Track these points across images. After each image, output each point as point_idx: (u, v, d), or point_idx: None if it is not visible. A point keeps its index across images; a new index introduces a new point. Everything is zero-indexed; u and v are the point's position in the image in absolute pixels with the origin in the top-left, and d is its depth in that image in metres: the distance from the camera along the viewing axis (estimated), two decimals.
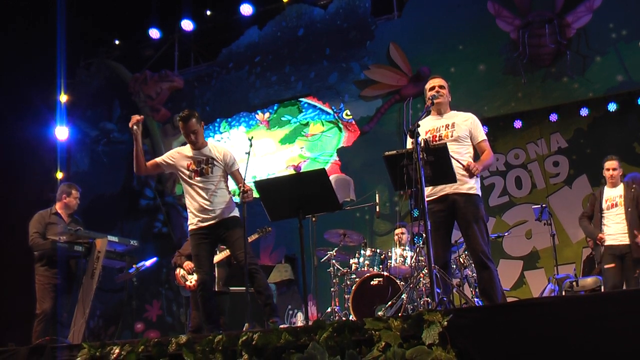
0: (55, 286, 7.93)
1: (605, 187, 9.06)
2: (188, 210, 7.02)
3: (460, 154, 6.08)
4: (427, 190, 6.02)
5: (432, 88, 6.36)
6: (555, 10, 12.14)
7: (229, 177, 7.18)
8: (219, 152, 7.09)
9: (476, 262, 6.07)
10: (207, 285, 6.85)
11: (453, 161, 5.77)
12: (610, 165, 8.95)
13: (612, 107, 11.53)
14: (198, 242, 6.90)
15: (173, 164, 7.10)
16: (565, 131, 12.05)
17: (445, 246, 6.17)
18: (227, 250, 9.01)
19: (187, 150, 7.12)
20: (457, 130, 6.20)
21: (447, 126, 6.26)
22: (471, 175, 5.93)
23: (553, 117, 12.07)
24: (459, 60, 12.59)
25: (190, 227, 6.97)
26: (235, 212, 7.02)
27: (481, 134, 6.31)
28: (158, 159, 7.22)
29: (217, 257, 9.00)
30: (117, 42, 16.22)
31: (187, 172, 6.98)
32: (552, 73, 12.09)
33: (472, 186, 6.07)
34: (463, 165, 5.89)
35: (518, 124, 12.29)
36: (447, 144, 5.93)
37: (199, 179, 6.92)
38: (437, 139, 6.15)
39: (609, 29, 11.72)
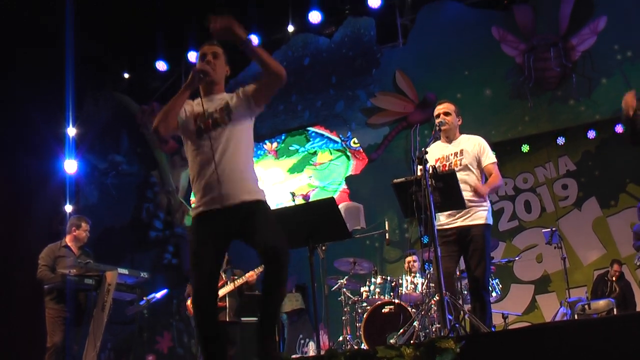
0: (65, 319, 7.93)
1: None
2: (193, 189, 4.90)
3: (470, 183, 6.10)
4: (440, 219, 6.07)
5: (438, 115, 6.39)
6: (559, 34, 12.19)
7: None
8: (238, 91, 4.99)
9: (473, 291, 6.14)
10: (202, 299, 4.65)
11: (461, 186, 5.80)
12: None
13: (619, 128, 11.51)
14: (200, 233, 4.74)
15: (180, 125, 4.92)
16: (573, 154, 12.06)
17: (454, 274, 6.21)
18: (239, 280, 8.98)
19: (197, 102, 4.96)
20: (466, 157, 6.22)
21: (455, 154, 6.28)
22: (479, 196, 5.96)
23: (560, 140, 12.09)
24: (465, 86, 12.62)
25: (192, 212, 4.91)
26: (261, 195, 4.82)
27: (488, 157, 6.31)
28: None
29: (227, 289, 8.99)
30: (125, 75, 16.29)
31: (193, 128, 4.85)
32: (558, 96, 12.12)
33: (482, 216, 6.09)
34: (471, 186, 5.92)
35: (525, 147, 12.30)
36: (457, 172, 5.97)
37: (208, 135, 4.79)
38: (446, 167, 6.17)
39: (613, 50, 11.76)
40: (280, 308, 4.80)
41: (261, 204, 4.78)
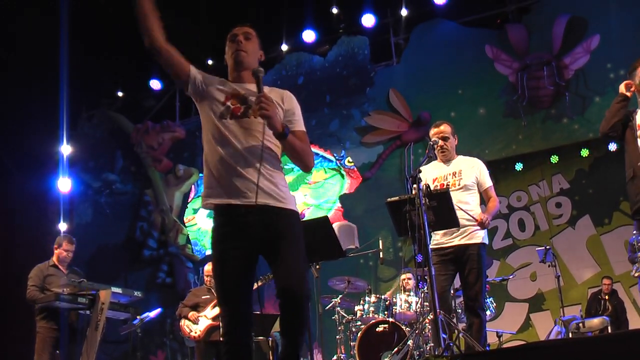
0: (54, 339, 7.91)
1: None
2: (204, 183, 4.04)
3: (469, 203, 6.15)
4: (436, 238, 6.10)
5: (436, 140, 6.37)
6: (553, 53, 12.24)
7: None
8: (278, 94, 4.43)
9: (469, 309, 6.17)
10: (236, 333, 3.84)
11: (461, 212, 5.83)
12: None
13: (612, 146, 11.51)
14: (223, 248, 3.88)
15: (201, 87, 4.10)
16: (567, 172, 12.08)
17: (449, 292, 6.22)
18: None
19: (229, 84, 4.23)
20: (465, 178, 6.26)
21: (454, 174, 6.32)
22: (483, 228, 6.02)
23: (554, 159, 12.10)
24: (458, 105, 12.65)
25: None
26: (293, 204, 4.14)
27: (487, 180, 6.38)
28: (186, 63, 4.13)
29: None
30: (120, 94, 16.28)
31: (221, 109, 4.03)
32: (551, 114, 12.15)
33: (479, 235, 6.14)
34: (475, 220, 5.97)
35: (519, 166, 12.32)
36: (456, 192, 6.01)
37: (235, 122, 4.00)
38: (444, 187, 6.19)
39: (606, 69, 11.79)
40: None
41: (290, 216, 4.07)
